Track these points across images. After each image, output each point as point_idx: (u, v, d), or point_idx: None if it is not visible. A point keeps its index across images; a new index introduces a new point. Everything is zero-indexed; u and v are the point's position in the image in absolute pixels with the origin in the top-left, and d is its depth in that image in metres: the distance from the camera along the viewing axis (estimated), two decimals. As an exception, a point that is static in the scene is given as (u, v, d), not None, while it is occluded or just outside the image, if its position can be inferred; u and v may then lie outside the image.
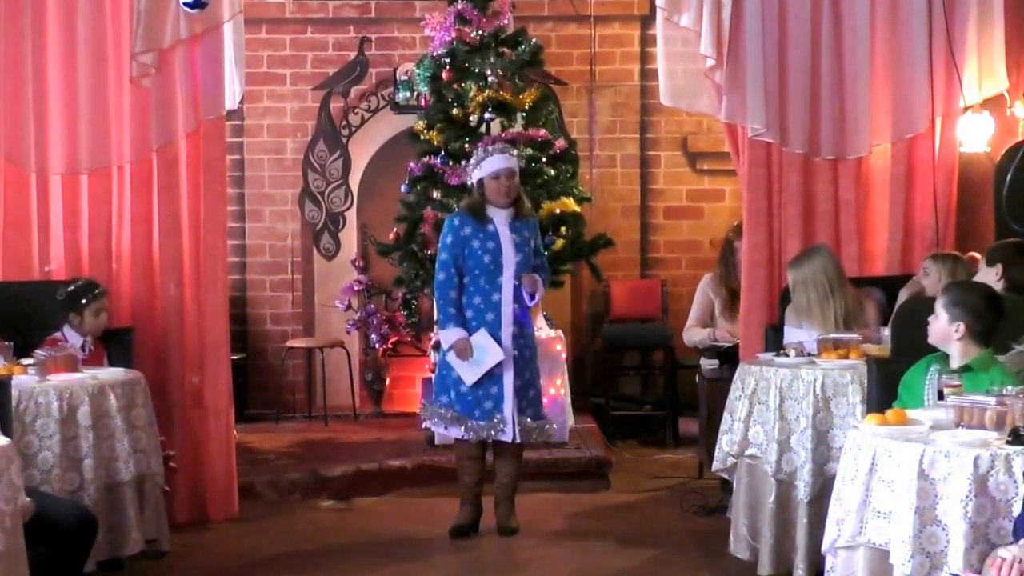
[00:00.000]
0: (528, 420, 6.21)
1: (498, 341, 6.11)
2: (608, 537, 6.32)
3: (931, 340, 4.51)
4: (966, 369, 4.37)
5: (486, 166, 6.20)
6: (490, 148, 6.38)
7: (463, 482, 6.32)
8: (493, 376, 6.14)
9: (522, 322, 6.22)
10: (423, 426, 6.65)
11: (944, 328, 4.43)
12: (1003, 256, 5.38)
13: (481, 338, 6.10)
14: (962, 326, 4.38)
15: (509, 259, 6.15)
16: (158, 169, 6.55)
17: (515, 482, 6.38)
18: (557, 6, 9.57)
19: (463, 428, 6.17)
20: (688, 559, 5.90)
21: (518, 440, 6.19)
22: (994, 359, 4.40)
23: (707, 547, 5.99)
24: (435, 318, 6.36)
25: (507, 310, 6.15)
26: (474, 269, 6.15)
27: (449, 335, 6.13)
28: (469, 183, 6.38)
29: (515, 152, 6.41)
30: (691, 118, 9.33)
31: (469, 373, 6.12)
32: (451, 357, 6.15)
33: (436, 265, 6.27)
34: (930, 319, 4.50)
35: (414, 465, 7.40)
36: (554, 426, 6.56)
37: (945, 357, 4.48)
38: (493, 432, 6.14)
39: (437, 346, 6.90)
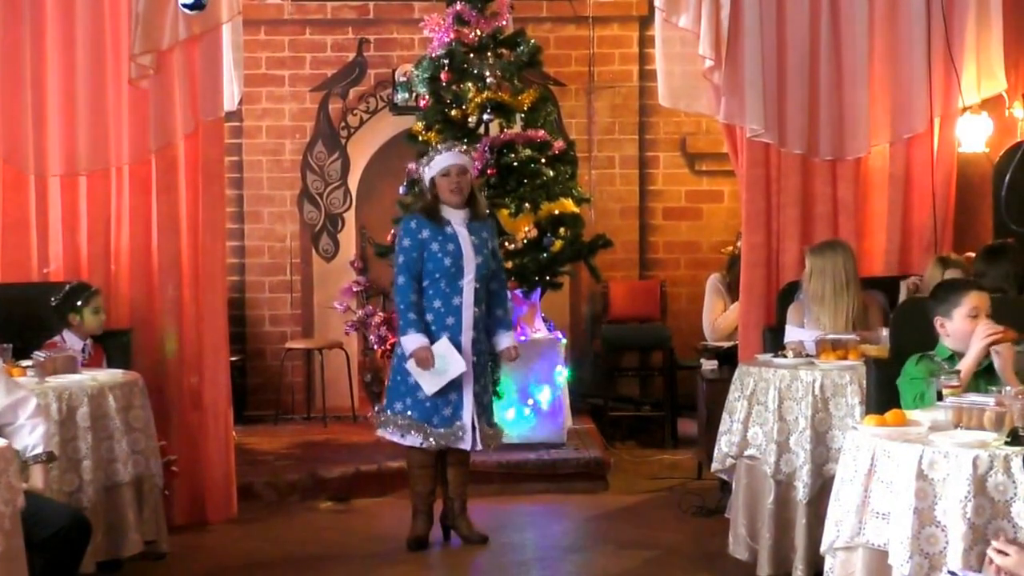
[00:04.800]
0: (486, 426, 6.05)
1: (458, 346, 5.90)
2: (607, 538, 6.32)
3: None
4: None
5: (435, 164, 6.02)
6: (440, 147, 6.22)
7: (417, 491, 6.10)
8: (452, 382, 5.91)
9: (481, 327, 6.03)
10: (377, 434, 6.18)
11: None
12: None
13: (444, 348, 5.86)
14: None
15: (470, 261, 5.94)
16: (157, 170, 6.55)
17: (467, 491, 6.21)
18: (556, 7, 9.58)
19: (422, 436, 5.94)
20: (687, 560, 5.89)
21: (479, 447, 6.02)
22: None
23: (706, 548, 5.99)
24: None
25: (468, 314, 5.93)
26: (434, 272, 5.93)
27: (410, 342, 5.88)
28: (423, 185, 6.16)
29: (464, 149, 6.20)
30: (690, 119, 9.34)
31: (430, 383, 5.88)
32: (411, 365, 5.89)
33: (395, 269, 6.03)
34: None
35: (413, 466, 7.39)
36: (505, 432, 6.42)
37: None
38: (453, 439, 5.94)
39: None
